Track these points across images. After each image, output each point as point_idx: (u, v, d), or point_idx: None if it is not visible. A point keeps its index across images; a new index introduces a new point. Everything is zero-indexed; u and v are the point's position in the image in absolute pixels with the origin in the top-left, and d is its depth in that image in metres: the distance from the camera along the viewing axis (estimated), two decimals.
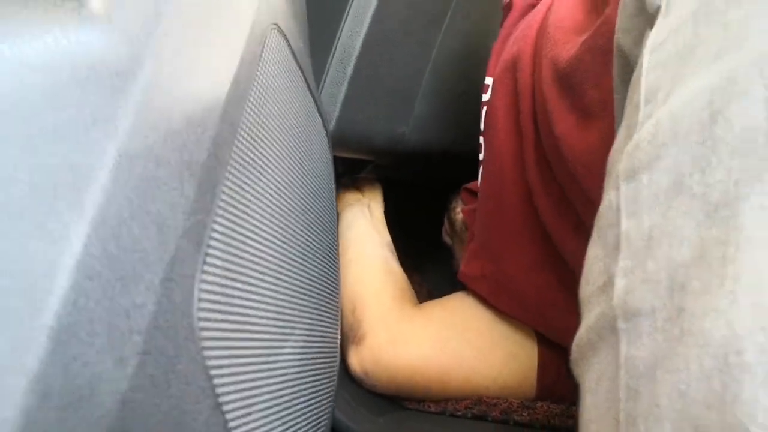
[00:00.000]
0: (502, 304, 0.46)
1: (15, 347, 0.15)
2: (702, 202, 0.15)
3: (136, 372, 0.17)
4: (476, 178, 0.49)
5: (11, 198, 0.16)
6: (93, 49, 0.19)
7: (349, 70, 0.48)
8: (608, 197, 0.19)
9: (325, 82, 0.49)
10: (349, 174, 0.60)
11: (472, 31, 0.55)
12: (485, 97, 0.46)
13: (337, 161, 0.57)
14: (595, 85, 0.32)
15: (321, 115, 0.37)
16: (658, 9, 0.20)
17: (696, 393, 0.14)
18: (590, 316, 0.19)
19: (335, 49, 0.48)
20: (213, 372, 0.22)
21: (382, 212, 0.60)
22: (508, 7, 0.47)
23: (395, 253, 0.57)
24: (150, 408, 0.18)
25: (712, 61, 0.17)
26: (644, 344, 0.16)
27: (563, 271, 0.39)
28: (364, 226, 0.57)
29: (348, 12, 0.48)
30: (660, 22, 0.19)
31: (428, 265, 0.64)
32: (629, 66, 0.22)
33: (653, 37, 0.19)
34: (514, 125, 0.42)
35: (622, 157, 0.19)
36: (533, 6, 0.44)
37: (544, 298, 0.42)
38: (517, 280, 0.44)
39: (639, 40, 0.21)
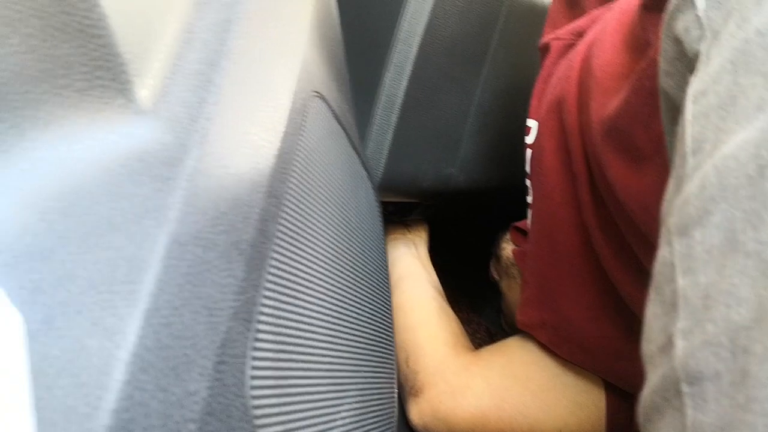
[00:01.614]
0: (565, 351, 0.44)
1: None
2: (757, 261, 0.15)
3: None
4: (524, 215, 0.48)
5: (71, 295, 0.17)
6: (141, 141, 0.20)
7: (394, 118, 0.49)
8: (663, 253, 0.18)
9: (371, 131, 0.49)
10: (398, 217, 0.60)
11: (515, 68, 0.54)
12: (529, 140, 0.45)
13: (387, 205, 0.57)
14: (645, 127, 0.31)
15: (366, 170, 0.38)
16: (696, 54, 0.20)
17: None
18: (653, 377, 0.18)
19: (379, 98, 0.49)
20: None
21: (427, 250, 0.60)
22: (545, 48, 0.47)
23: (443, 293, 0.56)
24: None
25: (754, 113, 0.16)
26: (711, 410, 0.15)
27: (628, 317, 0.37)
28: (411, 263, 0.56)
29: (390, 61, 0.48)
30: (701, 70, 0.19)
31: (481, 302, 0.63)
32: (675, 108, 0.22)
33: (695, 86, 0.19)
34: (564, 167, 0.40)
35: (672, 210, 0.18)
36: (572, 45, 0.43)
37: (609, 346, 0.40)
38: (578, 327, 0.42)
39: (682, 83, 0.21)
